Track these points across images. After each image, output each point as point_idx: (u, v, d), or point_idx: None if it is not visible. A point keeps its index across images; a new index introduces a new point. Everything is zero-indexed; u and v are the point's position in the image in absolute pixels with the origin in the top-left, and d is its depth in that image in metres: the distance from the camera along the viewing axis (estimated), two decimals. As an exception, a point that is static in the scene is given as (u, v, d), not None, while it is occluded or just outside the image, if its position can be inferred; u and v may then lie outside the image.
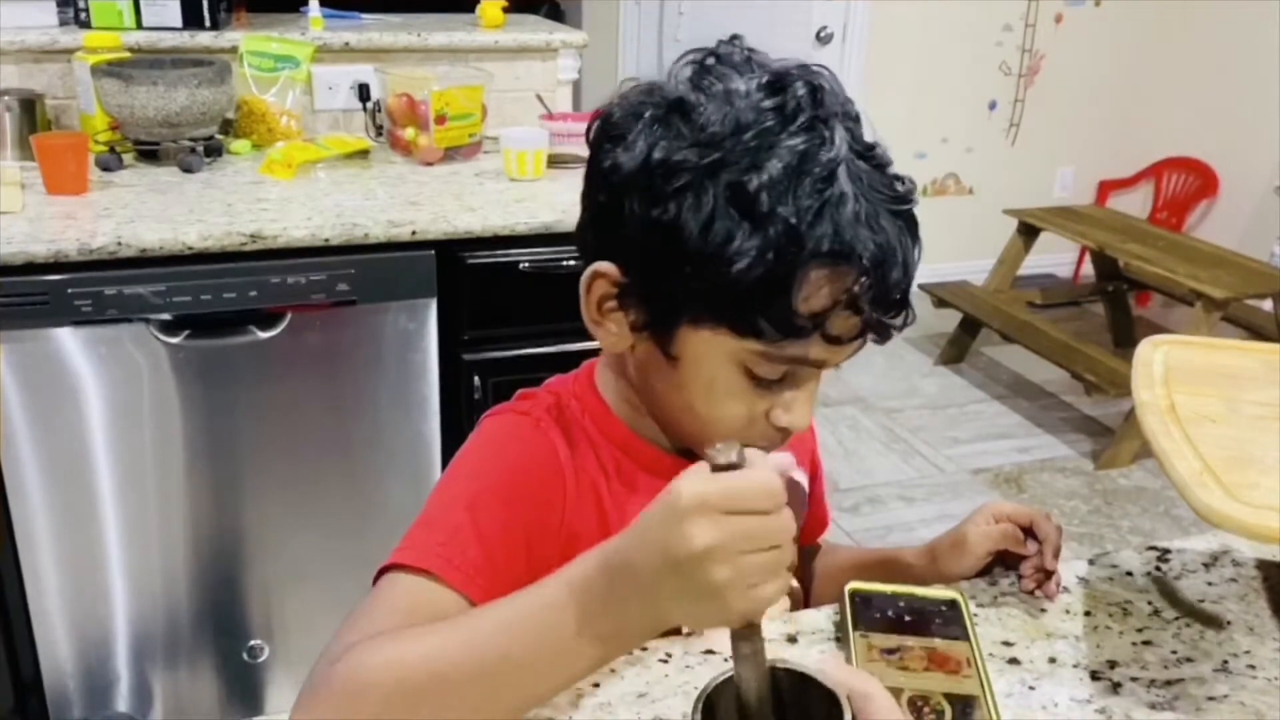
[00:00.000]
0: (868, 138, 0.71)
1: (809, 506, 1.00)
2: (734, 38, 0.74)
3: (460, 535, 0.71)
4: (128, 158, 1.98)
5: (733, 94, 0.69)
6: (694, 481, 0.54)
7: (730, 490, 0.54)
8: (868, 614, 0.81)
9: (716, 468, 0.55)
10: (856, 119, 0.71)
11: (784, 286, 0.65)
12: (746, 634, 0.58)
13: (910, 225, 0.70)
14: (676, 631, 0.84)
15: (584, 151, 0.76)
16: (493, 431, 0.80)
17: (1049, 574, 0.87)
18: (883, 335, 0.70)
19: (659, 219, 0.68)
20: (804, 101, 0.68)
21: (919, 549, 0.94)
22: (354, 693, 0.60)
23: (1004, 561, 0.90)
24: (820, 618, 0.85)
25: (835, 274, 0.66)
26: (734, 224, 0.65)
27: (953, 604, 0.82)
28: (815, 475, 1.00)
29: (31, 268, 1.54)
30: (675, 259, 0.68)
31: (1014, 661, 0.80)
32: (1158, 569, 0.93)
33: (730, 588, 0.54)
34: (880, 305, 0.68)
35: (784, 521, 0.55)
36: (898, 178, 0.70)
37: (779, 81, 0.69)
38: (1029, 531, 0.89)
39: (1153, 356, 0.94)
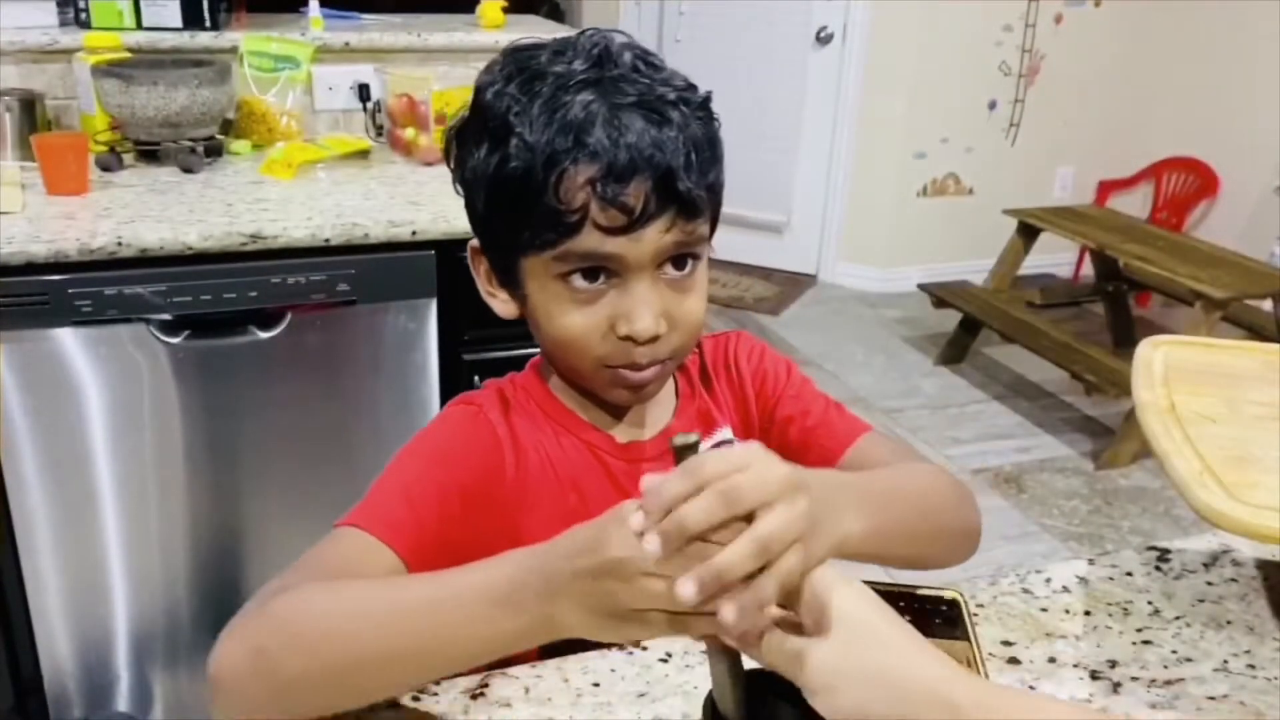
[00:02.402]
0: (653, 66, 0.78)
1: (817, 438, 0.93)
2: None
3: (389, 498, 0.80)
4: (128, 158, 1.97)
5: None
6: (637, 504, 0.56)
7: (673, 517, 0.54)
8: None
9: (680, 449, 0.55)
10: (641, 59, 0.78)
11: (538, 189, 0.74)
12: (720, 655, 0.59)
13: (664, 122, 0.74)
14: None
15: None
16: (435, 421, 0.88)
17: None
18: (672, 224, 0.75)
19: (461, 175, 0.81)
20: (558, 48, 0.78)
21: None
22: (289, 632, 0.67)
23: None
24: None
25: (577, 166, 0.73)
26: (493, 146, 0.76)
27: (953, 604, 0.82)
28: (784, 416, 0.94)
29: (31, 268, 1.54)
30: (476, 202, 0.80)
31: (1014, 661, 0.80)
32: (1158, 569, 0.93)
33: (625, 608, 0.56)
34: (632, 188, 0.73)
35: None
36: (667, 86, 0.76)
37: (536, 44, 0.80)
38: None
39: (1153, 356, 0.94)
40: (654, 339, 0.78)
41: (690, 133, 0.76)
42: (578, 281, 0.77)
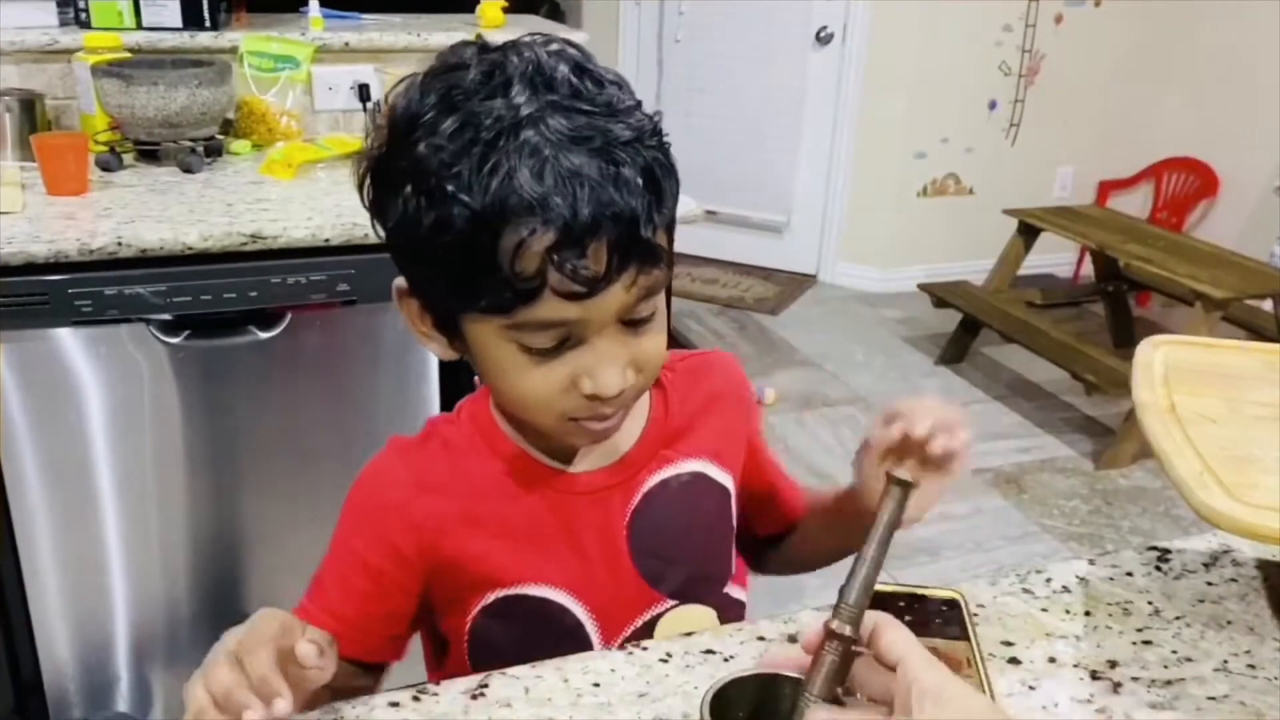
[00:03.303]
0: (595, 80, 0.69)
1: (778, 495, 0.97)
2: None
3: (315, 601, 0.83)
4: (128, 158, 1.97)
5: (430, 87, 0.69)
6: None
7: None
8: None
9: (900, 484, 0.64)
10: (579, 70, 0.69)
11: (487, 255, 0.65)
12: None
13: (619, 165, 0.66)
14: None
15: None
16: (359, 485, 0.85)
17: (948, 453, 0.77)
18: (635, 276, 0.68)
19: (384, 217, 0.71)
20: (487, 70, 0.68)
21: (838, 490, 0.90)
22: None
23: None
24: (822, 618, 0.85)
25: (530, 233, 0.64)
26: (424, 206, 0.67)
27: (953, 604, 0.82)
28: (758, 461, 0.95)
29: (31, 268, 1.54)
30: (410, 253, 0.71)
31: (1014, 661, 0.80)
32: (1158, 569, 0.93)
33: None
34: (592, 252, 0.65)
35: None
36: (615, 116, 0.67)
37: (460, 63, 0.69)
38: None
39: (1153, 357, 0.94)
40: (620, 393, 0.72)
41: (646, 169, 0.67)
42: (533, 344, 0.70)
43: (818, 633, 0.61)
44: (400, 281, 0.76)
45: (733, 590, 0.92)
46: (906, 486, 0.64)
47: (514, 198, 0.64)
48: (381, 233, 0.73)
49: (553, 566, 0.83)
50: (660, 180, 0.69)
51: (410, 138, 0.67)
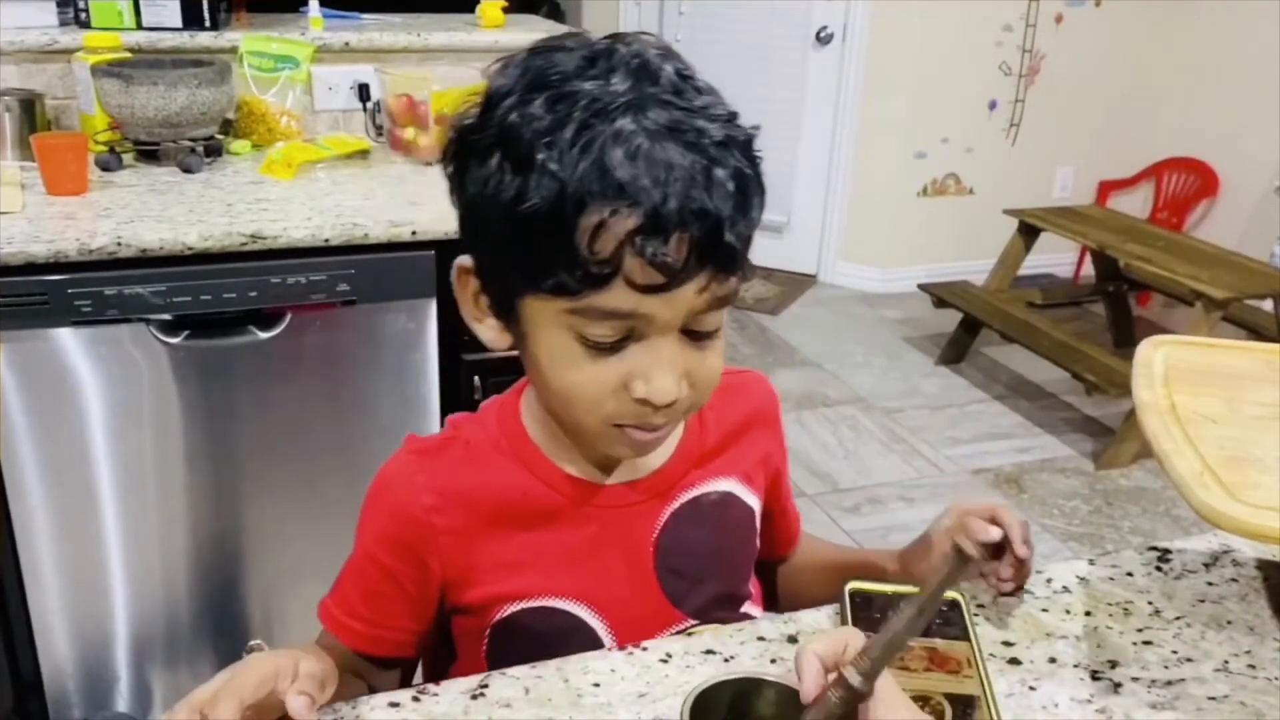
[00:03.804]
0: (695, 87, 0.69)
1: (779, 519, 0.98)
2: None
3: (338, 602, 0.85)
4: (128, 158, 1.97)
5: (531, 65, 0.69)
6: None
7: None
8: (868, 614, 0.81)
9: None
10: (681, 74, 0.69)
11: (564, 232, 0.64)
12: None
13: (712, 164, 0.65)
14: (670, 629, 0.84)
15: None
16: (376, 489, 0.84)
17: (1021, 564, 0.83)
18: (709, 281, 0.67)
19: (464, 187, 0.71)
20: (589, 56, 0.68)
21: (892, 553, 0.93)
22: None
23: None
24: (820, 617, 0.85)
25: (614, 214, 0.63)
26: (509, 174, 0.66)
27: (953, 604, 0.82)
28: (778, 485, 0.96)
29: (31, 268, 1.54)
30: (482, 225, 0.70)
31: (1014, 661, 0.80)
32: (1158, 569, 0.93)
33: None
34: (673, 244, 0.64)
35: None
36: (711, 119, 0.67)
37: (561, 46, 0.70)
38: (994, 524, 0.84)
39: (1153, 356, 0.94)
40: (672, 403, 0.70)
41: (738, 174, 0.66)
42: (593, 335, 0.68)
43: (821, 662, 0.61)
44: (464, 259, 0.75)
45: (750, 609, 0.92)
46: (967, 561, 0.64)
47: (603, 176, 0.63)
48: (457, 206, 0.73)
49: (576, 581, 0.82)
50: (749, 190, 0.67)
51: (502, 109, 0.67)
